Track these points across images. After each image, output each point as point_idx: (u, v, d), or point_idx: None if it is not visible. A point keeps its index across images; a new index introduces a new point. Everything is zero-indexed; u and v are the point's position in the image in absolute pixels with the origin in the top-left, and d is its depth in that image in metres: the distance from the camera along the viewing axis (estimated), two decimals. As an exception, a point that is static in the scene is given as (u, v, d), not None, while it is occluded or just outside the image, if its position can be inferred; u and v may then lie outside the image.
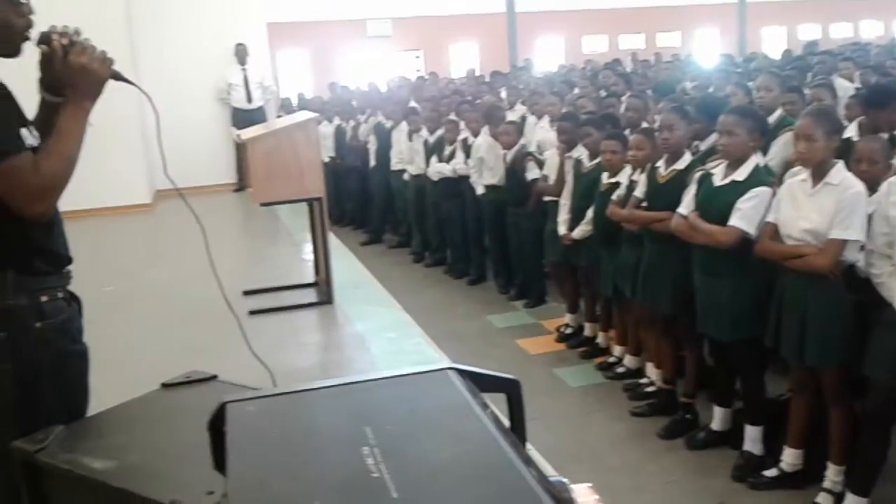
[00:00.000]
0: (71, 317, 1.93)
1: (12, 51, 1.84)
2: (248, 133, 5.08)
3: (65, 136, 1.82)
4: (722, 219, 3.45)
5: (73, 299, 1.98)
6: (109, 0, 8.90)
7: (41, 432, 1.67)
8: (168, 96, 9.55)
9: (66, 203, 1.88)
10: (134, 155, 8.64)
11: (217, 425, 1.16)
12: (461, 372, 1.18)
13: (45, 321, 1.84)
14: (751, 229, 3.38)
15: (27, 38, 1.85)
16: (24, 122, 1.84)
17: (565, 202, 5.11)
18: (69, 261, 1.97)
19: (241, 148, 5.26)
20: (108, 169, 7.65)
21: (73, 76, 1.85)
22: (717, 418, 3.87)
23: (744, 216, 3.40)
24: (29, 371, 1.82)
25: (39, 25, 1.88)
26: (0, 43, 1.82)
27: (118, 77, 1.95)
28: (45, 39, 1.86)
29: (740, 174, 3.48)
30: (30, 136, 1.83)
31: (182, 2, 10.17)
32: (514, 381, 1.21)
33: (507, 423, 1.19)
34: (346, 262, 6.42)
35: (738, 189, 3.45)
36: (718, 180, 3.55)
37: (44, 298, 1.85)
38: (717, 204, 3.50)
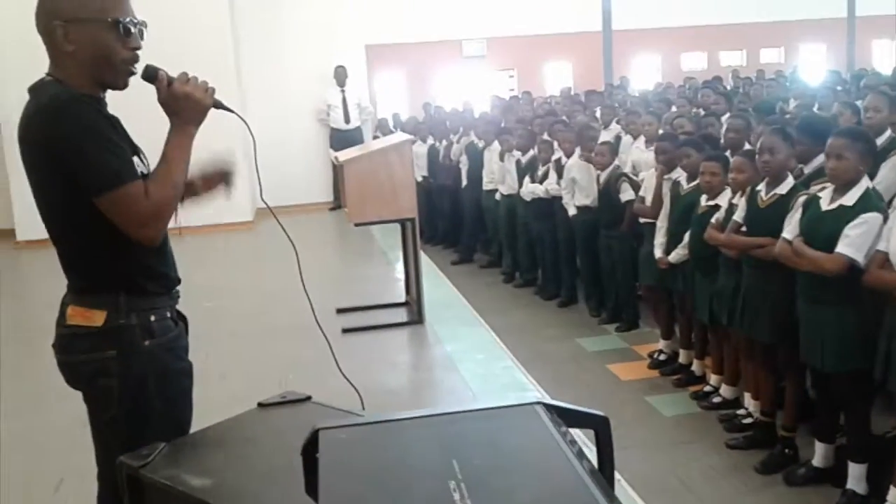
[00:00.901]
0: (178, 335, 2.02)
1: (120, 83, 1.93)
2: (344, 155, 5.22)
3: (172, 163, 1.90)
4: (828, 245, 3.32)
5: (181, 318, 2.07)
6: (217, 26, 9.33)
7: (146, 448, 1.74)
8: (270, 117, 10.01)
9: (172, 221, 1.96)
10: (238, 174, 8.96)
11: (310, 451, 1.19)
12: (549, 407, 1.18)
13: (154, 339, 1.93)
14: (859, 257, 3.23)
15: (133, 73, 1.93)
16: (136, 151, 1.94)
17: (662, 225, 5.01)
18: (178, 282, 2.06)
19: (337, 168, 5.39)
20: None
21: (178, 104, 1.92)
22: (819, 454, 3.70)
23: (852, 243, 3.26)
24: (136, 387, 1.90)
25: (152, 56, 1.96)
26: (108, 75, 1.90)
27: (219, 106, 2.02)
28: (150, 72, 1.93)
29: (849, 199, 3.34)
30: (140, 164, 1.92)
31: (285, 26, 10.55)
32: (602, 417, 1.19)
33: (594, 460, 1.18)
34: (437, 282, 6.48)
35: (847, 214, 3.31)
36: (825, 204, 3.42)
37: (153, 318, 1.94)
38: (823, 229, 3.37)
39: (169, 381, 1.97)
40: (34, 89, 1.89)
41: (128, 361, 1.89)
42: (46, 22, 1.85)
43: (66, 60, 1.86)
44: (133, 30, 1.89)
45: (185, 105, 1.92)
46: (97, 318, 1.88)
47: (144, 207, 1.83)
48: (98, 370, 1.89)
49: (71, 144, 1.78)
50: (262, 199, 2.24)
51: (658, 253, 4.96)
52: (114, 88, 1.93)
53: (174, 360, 1.99)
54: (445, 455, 1.06)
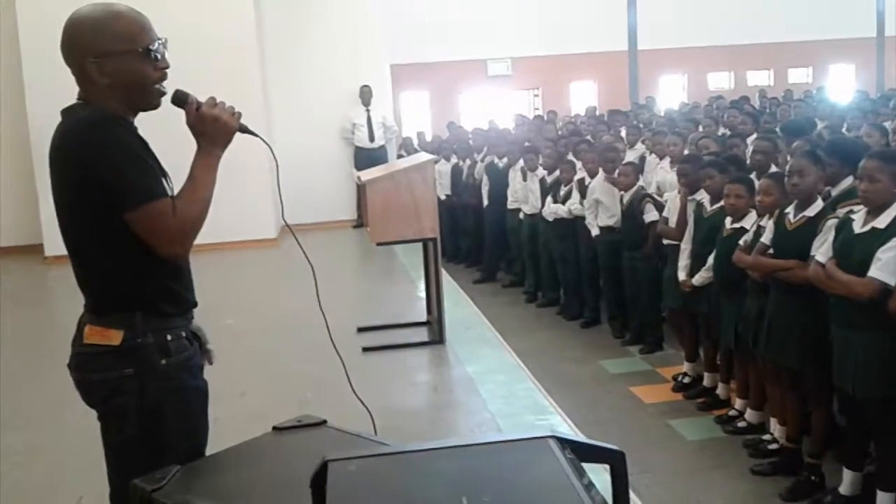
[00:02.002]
0: (193, 354, 2.03)
1: (150, 104, 1.98)
2: (367, 174, 5.23)
3: (199, 183, 1.95)
4: (861, 268, 3.26)
5: (195, 338, 2.08)
6: (243, 46, 9.43)
7: (160, 471, 1.74)
8: (296, 135, 10.08)
9: (198, 237, 1.99)
10: (262, 191, 9.05)
11: (319, 482, 1.17)
12: (562, 441, 1.16)
13: (170, 358, 1.94)
14: (891, 281, 3.17)
15: (164, 93, 1.98)
16: (164, 173, 1.97)
17: (686, 247, 4.96)
18: (194, 305, 2.08)
19: (361, 187, 5.42)
20: (239, 204, 8.01)
21: (206, 127, 1.97)
22: (847, 482, 3.61)
23: (884, 266, 3.20)
24: (153, 406, 1.90)
25: (179, 77, 2.01)
26: (139, 97, 1.96)
27: (245, 130, 2.07)
28: (180, 97, 1.98)
29: (881, 221, 3.29)
30: (167, 187, 1.95)
31: (311, 46, 10.65)
32: (618, 452, 1.17)
33: (609, 498, 1.15)
34: (458, 301, 6.46)
35: (880, 237, 3.26)
36: (858, 227, 3.37)
37: (169, 337, 1.95)
38: (856, 252, 3.32)
39: (185, 399, 1.98)
40: (67, 112, 1.94)
41: (144, 380, 1.91)
42: (79, 60, 1.91)
43: (99, 90, 1.92)
44: (161, 52, 1.95)
45: (213, 128, 1.97)
46: (114, 336, 1.90)
47: (172, 224, 1.88)
48: (114, 389, 1.90)
49: (104, 162, 1.83)
50: (284, 220, 2.26)
51: (682, 276, 4.91)
52: (147, 110, 1.98)
53: (190, 378, 2.01)
54: (455, 491, 1.04)
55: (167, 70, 1.98)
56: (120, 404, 1.90)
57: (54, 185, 1.94)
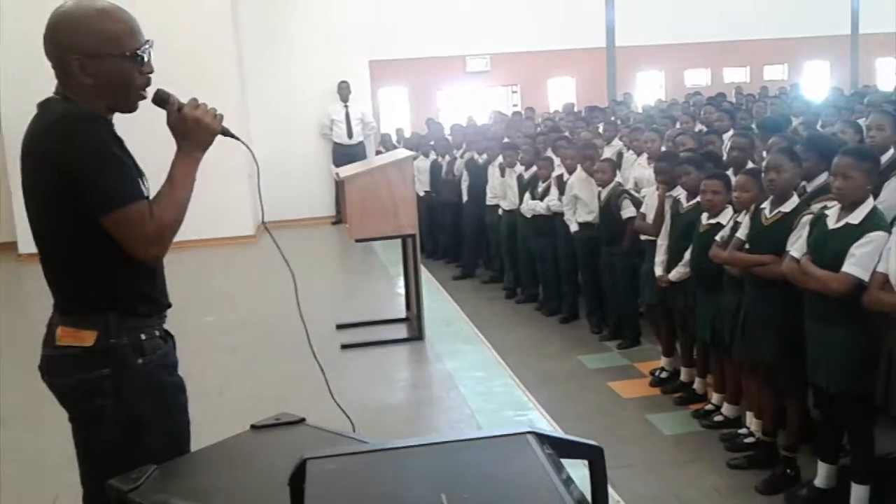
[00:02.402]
0: (167, 352, 2.01)
1: (130, 107, 1.94)
2: (345, 171, 5.22)
3: (177, 185, 1.92)
4: (835, 263, 3.30)
5: (168, 335, 2.06)
6: (221, 41, 9.36)
7: (136, 471, 1.72)
8: (274, 131, 10.03)
9: (177, 234, 1.97)
10: (241, 188, 9.00)
11: (298, 481, 1.17)
12: (541, 437, 1.16)
13: (146, 357, 1.92)
14: (865, 276, 3.21)
15: (144, 97, 1.95)
16: (140, 174, 1.94)
17: (662, 243, 4.99)
18: (168, 307, 2.05)
19: (339, 183, 5.41)
20: (217, 201, 7.95)
21: (187, 128, 1.94)
22: (822, 475, 3.66)
23: (858, 262, 3.24)
24: (132, 405, 1.88)
25: (157, 75, 1.98)
26: (121, 99, 1.92)
27: (227, 133, 2.04)
28: (162, 96, 1.95)
29: (855, 217, 3.33)
30: (143, 187, 1.92)
31: (290, 41, 10.60)
32: (596, 448, 1.17)
33: (587, 493, 1.15)
34: (438, 298, 6.47)
35: (853, 233, 3.30)
36: (832, 223, 3.41)
37: (143, 336, 1.93)
38: (830, 248, 3.36)
39: (165, 397, 1.96)
40: (43, 105, 1.89)
41: (122, 380, 1.88)
42: (62, 56, 1.86)
43: (80, 88, 1.87)
44: (148, 56, 1.92)
45: (195, 129, 1.95)
46: (87, 337, 1.87)
47: (149, 227, 1.85)
48: (91, 390, 1.87)
49: (80, 161, 1.79)
50: (264, 225, 2.23)
51: (659, 271, 4.94)
52: (125, 112, 1.94)
53: (167, 375, 1.99)
54: (435, 488, 1.04)
55: (151, 75, 1.94)
56: (98, 406, 1.87)
57: (26, 181, 1.89)
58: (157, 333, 1.98)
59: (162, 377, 1.96)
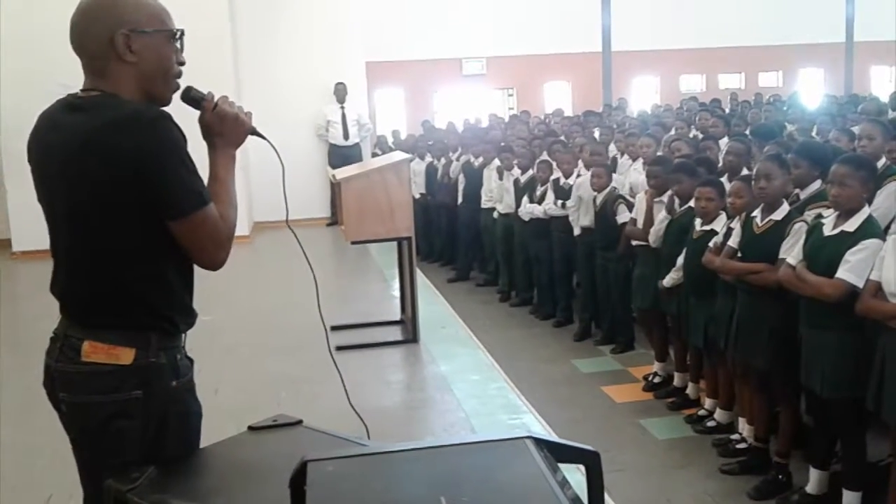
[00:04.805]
0: (192, 375, 1.93)
1: (167, 97, 1.85)
2: (342, 173, 5.23)
3: (226, 184, 1.86)
4: (830, 270, 3.33)
5: (189, 358, 1.96)
6: (217, 41, 9.36)
7: (135, 471, 1.71)
8: (270, 131, 9.99)
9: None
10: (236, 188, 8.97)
11: (298, 482, 1.18)
12: (539, 441, 1.18)
13: (180, 380, 1.84)
14: (859, 283, 3.24)
15: (177, 88, 1.88)
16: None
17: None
18: (196, 318, 1.95)
19: (335, 185, 5.42)
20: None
21: (224, 125, 1.88)
22: (813, 481, 3.68)
23: (852, 269, 3.26)
24: (157, 430, 1.79)
25: None
26: (161, 89, 1.83)
27: (255, 132, 1.99)
28: (196, 94, 1.90)
29: (851, 225, 3.36)
30: None
31: (286, 42, 10.60)
32: (593, 452, 1.19)
33: (584, 497, 1.17)
34: (432, 300, 6.48)
35: (848, 240, 3.33)
36: (828, 230, 3.44)
37: (178, 357, 1.86)
38: (825, 255, 3.39)
39: (188, 424, 1.89)
40: (89, 102, 1.77)
41: (152, 403, 1.77)
42: (106, 30, 1.75)
43: (121, 73, 1.77)
44: (182, 43, 1.87)
45: (232, 127, 1.89)
46: (125, 355, 1.75)
47: (222, 229, 1.79)
48: (117, 411, 1.75)
49: (164, 159, 1.70)
50: (288, 226, 2.15)
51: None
52: (160, 104, 1.83)
53: (194, 401, 1.91)
54: (434, 491, 1.06)
55: (183, 67, 1.87)
56: (120, 428, 1.75)
57: (76, 183, 1.73)
58: (186, 353, 1.91)
59: (188, 402, 1.88)
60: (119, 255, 1.76)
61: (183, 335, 1.90)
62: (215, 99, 1.91)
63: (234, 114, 1.89)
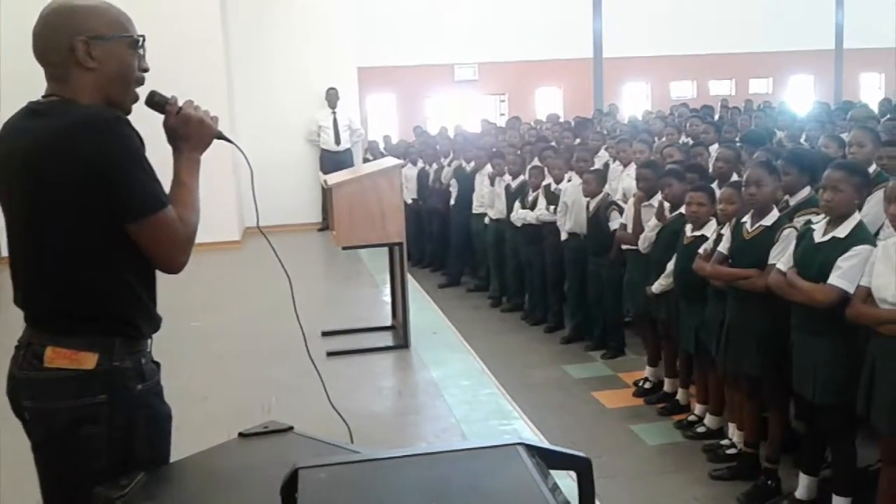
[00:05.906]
0: (159, 379, 1.92)
1: (129, 105, 1.86)
2: (333, 178, 5.22)
3: (190, 188, 1.87)
4: (821, 276, 3.35)
5: (155, 362, 1.96)
6: (209, 46, 9.34)
7: (124, 478, 1.70)
8: (261, 136, 10.01)
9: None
10: (226, 194, 8.96)
11: (290, 490, 1.18)
12: (530, 448, 1.18)
13: (145, 383, 1.83)
14: (850, 288, 3.25)
15: (137, 98, 1.88)
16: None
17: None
18: (160, 322, 1.96)
19: (327, 190, 5.42)
20: (202, 206, 7.92)
21: (189, 129, 1.89)
22: (803, 486, 3.70)
23: (843, 275, 3.28)
24: (124, 434, 1.78)
25: (150, 78, 1.93)
26: (122, 96, 1.83)
27: (221, 136, 1.99)
28: (160, 98, 1.90)
29: (842, 231, 3.37)
30: None
31: (278, 47, 10.59)
32: (584, 459, 1.19)
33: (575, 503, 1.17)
34: (423, 306, 6.47)
35: (839, 246, 3.34)
36: (819, 236, 3.45)
37: (143, 360, 1.85)
38: (816, 261, 3.40)
39: (157, 426, 1.87)
40: (50, 107, 1.78)
41: (118, 407, 1.76)
42: (66, 38, 1.76)
43: (81, 79, 1.78)
44: (145, 50, 1.87)
45: (197, 130, 1.90)
46: (87, 360, 1.74)
47: (181, 232, 1.79)
48: (83, 417, 1.74)
49: (120, 161, 1.71)
50: (259, 230, 2.16)
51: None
52: (121, 111, 1.83)
53: (160, 403, 1.90)
54: (426, 497, 1.06)
55: (146, 74, 1.88)
56: (88, 434, 1.74)
57: (33, 187, 1.73)
58: (152, 357, 1.91)
59: (155, 405, 1.87)
60: (78, 259, 1.76)
61: (149, 340, 1.90)
62: (179, 103, 1.92)
63: (199, 117, 1.90)
